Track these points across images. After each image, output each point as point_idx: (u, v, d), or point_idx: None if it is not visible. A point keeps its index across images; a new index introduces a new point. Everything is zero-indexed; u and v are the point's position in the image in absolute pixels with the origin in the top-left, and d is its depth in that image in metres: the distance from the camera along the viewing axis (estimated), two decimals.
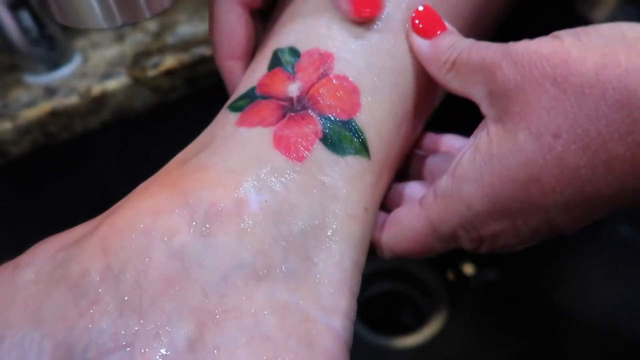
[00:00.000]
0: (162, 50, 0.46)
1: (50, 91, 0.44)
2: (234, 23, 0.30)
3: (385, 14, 0.27)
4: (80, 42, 0.47)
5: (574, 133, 0.21)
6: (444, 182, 0.25)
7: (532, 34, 0.23)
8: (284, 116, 0.26)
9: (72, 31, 0.46)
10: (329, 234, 0.24)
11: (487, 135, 0.23)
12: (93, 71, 0.45)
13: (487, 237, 0.24)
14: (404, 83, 0.27)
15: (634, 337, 0.36)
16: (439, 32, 0.26)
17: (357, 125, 0.25)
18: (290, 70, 0.27)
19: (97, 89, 0.44)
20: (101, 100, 0.44)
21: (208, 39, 0.47)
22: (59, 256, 0.25)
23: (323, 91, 0.26)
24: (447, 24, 0.26)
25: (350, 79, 0.26)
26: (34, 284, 0.24)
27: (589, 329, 0.40)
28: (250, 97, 0.27)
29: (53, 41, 0.43)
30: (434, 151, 0.29)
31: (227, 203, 0.24)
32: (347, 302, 0.23)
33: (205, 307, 0.22)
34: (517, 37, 0.25)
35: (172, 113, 0.46)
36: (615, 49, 0.20)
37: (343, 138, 0.25)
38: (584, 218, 0.23)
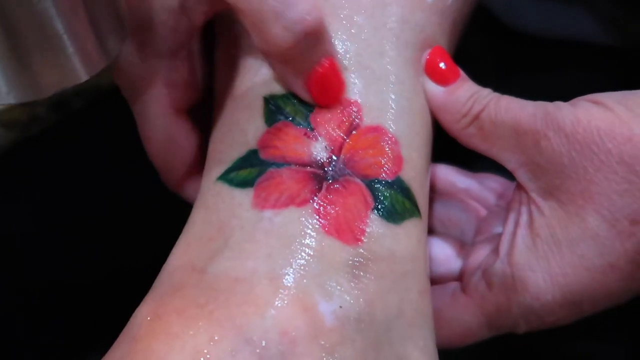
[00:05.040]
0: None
1: None
2: (175, 137, 0.24)
3: (395, 51, 0.23)
4: None
5: None
6: (498, 269, 0.22)
7: None
8: (319, 187, 0.20)
9: None
10: (408, 320, 0.21)
11: (540, 214, 0.22)
12: None
13: (548, 324, 0.23)
14: (427, 124, 0.23)
15: None
16: (453, 78, 0.23)
17: (405, 183, 0.21)
18: (305, 124, 0.21)
19: None
20: None
21: None
22: None
23: (360, 148, 0.21)
24: (459, 68, 0.24)
25: (386, 128, 0.21)
26: None
27: None
28: (256, 164, 0.21)
29: None
30: (431, 186, 0.27)
31: (299, 326, 0.18)
32: None
33: None
34: None
35: (38, 151, 0.35)
36: None
37: (395, 202, 0.21)
38: None
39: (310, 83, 0.21)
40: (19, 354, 0.35)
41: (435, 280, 0.25)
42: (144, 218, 0.38)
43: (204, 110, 0.25)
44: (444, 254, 0.25)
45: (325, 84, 0.21)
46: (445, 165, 0.27)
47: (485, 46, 0.44)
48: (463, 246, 0.25)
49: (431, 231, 0.26)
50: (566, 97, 0.24)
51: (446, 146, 0.26)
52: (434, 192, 0.26)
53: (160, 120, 0.23)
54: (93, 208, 0.38)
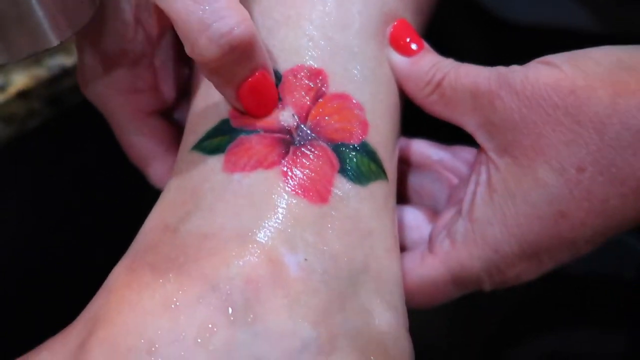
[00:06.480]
0: (6, 65, 0.36)
1: None
2: (148, 138, 0.26)
3: (358, 24, 0.24)
4: None
5: (599, 165, 0.21)
6: (460, 226, 0.23)
7: None
8: (287, 151, 0.21)
9: None
10: (374, 275, 0.21)
11: (496, 171, 0.22)
12: None
13: (511, 279, 0.23)
14: (393, 91, 0.24)
15: None
16: (416, 49, 0.24)
17: (371, 147, 0.22)
18: None
19: None
20: None
21: (66, 46, 0.38)
22: None
23: (326, 114, 0.22)
24: (422, 39, 0.25)
25: (351, 96, 0.22)
26: None
27: None
28: (227, 132, 0.22)
29: None
30: (406, 160, 0.28)
31: (264, 275, 0.19)
32: (408, 342, 0.22)
33: None
34: None
35: (35, 145, 0.37)
36: (621, 76, 0.21)
37: (361, 164, 0.22)
38: (604, 241, 0.23)
39: (241, 94, 0.21)
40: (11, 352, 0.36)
41: (409, 247, 0.25)
42: (139, 211, 0.39)
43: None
44: (416, 221, 0.25)
45: (256, 96, 0.21)
46: (420, 139, 0.27)
47: (477, 37, 0.45)
48: (435, 213, 0.26)
49: (406, 201, 0.27)
50: None
51: (425, 126, 0.27)
52: (409, 165, 0.27)
53: (130, 125, 0.25)
54: (89, 201, 0.39)
